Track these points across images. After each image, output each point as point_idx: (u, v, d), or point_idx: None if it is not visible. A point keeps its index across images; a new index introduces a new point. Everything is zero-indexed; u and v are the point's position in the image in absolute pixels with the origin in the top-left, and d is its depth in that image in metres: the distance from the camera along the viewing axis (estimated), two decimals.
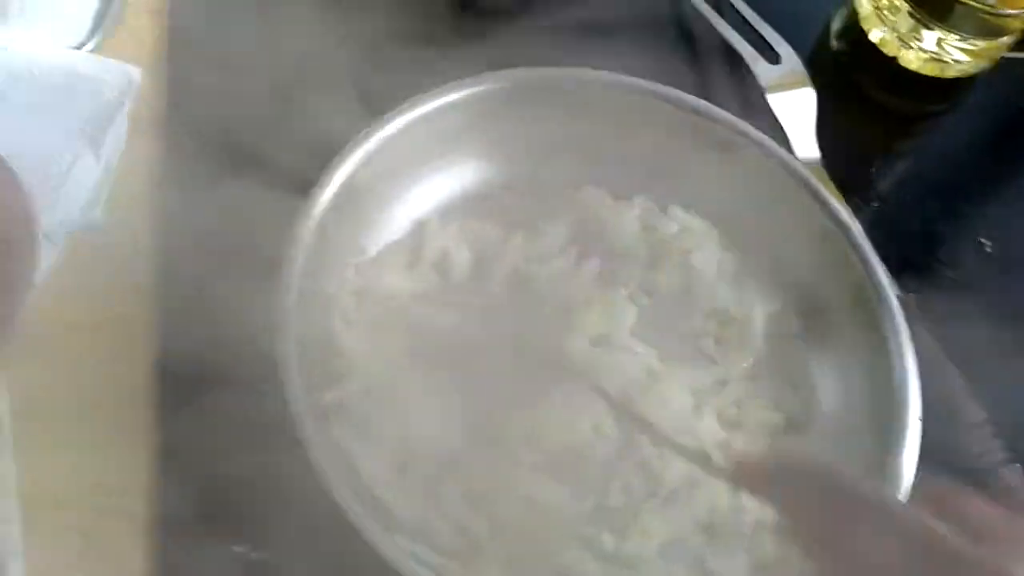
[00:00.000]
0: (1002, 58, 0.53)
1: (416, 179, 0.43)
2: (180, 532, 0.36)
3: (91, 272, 0.41)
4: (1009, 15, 0.50)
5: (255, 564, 0.36)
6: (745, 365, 0.42)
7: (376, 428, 0.38)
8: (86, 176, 0.43)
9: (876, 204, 0.50)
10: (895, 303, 0.41)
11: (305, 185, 0.39)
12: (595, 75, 0.44)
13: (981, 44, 0.52)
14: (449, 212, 0.43)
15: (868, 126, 0.54)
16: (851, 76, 0.54)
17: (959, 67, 0.53)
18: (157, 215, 0.43)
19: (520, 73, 0.44)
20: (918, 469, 0.37)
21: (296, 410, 0.34)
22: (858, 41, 0.54)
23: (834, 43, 0.55)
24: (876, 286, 0.41)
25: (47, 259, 0.41)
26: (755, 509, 0.39)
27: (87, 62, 0.44)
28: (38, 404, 0.38)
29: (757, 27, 0.53)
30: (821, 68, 0.53)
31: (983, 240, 0.50)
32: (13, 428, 0.37)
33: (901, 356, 0.40)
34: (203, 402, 0.39)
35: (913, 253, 0.49)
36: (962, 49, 0.52)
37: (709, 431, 0.40)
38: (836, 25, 0.56)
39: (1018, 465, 0.41)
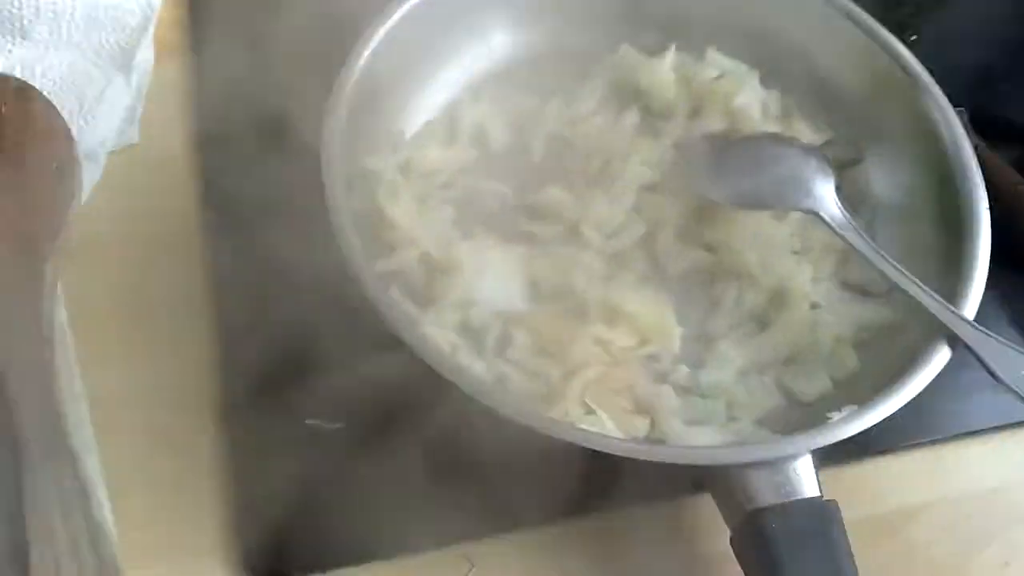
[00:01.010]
0: None
1: (442, 57, 0.42)
2: (246, 417, 0.36)
3: (133, 183, 0.41)
4: None
5: (330, 435, 0.36)
6: None
7: (437, 293, 0.38)
8: (119, 99, 0.43)
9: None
10: (953, 115, 0.40)
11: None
12: None
13: None
14: (480, 87, 0.43)
15: None
16: None
17: None
18: (189, 127, 0.43)
19: None
20: None
21: (358, 273, 0.34)
22: None
23: None
24: (930, 98, 0.40)
25: (90, 176, 0.41)
26: (834, 323, 0.38)
27: None
28: (95, 312, 0.38)
29: None
30: None
31: None
32: (74, 337, 0.37)
33: (962, 160, 0.39)
34: (258, 296, 0.39)
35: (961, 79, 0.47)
36: None
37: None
38: None
39: None
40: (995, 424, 0.39)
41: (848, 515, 0.32)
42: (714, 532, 0.33)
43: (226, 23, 0.46)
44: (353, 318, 0.35)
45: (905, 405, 0.34)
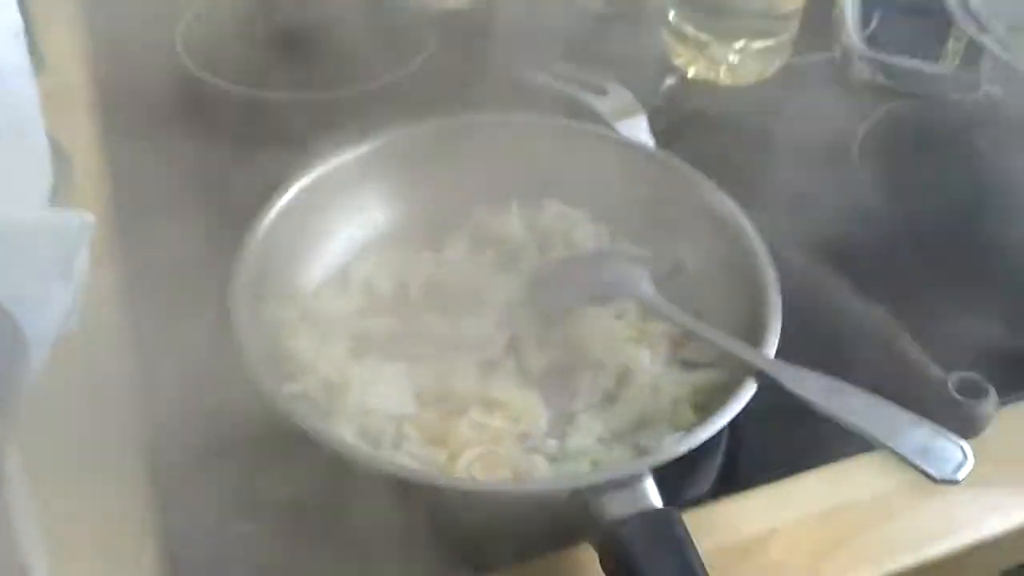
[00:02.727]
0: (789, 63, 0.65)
1: (332, 225, 0.52)
2: (190, 536, 0.42)
3: (72, 364, 0.48)
4: (782, 15, 0.63)
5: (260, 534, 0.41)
6: None
7: (336, 407, 0.44)
8: (60, 299, 0.51)
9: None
10: (736, 211, 0.50)
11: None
12: (466, 119, 0.55)
13: (767, 44, 0.64)
14: (365, 248, 0.52)
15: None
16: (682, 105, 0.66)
17: (757, 71, 0.65)
18: (123, 313, 0.51)
19: (413, 128, 0.54)
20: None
21: (269, 396, 0.41)
22: (682, 78, 0.66)
23: (664, 86, 0.67)
24: (718, 203, 0.50)
25: (35, 361, 0.48)
26: (674, 386, 0.45)
27: (50, 216, 0.54)
28: (42, 472, 0.44)
29: (588, 79, 0.64)
30: (656, 104, 0.64)
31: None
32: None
33: (758, 255, 0.48)
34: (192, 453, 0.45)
35: None
36: (755, 51, 0.64)
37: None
38: (660, 74, 0.68)
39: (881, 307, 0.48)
40: (822, 459, 0.45)
41: (708, 545, 0.38)
42: None
43: (154, 231, 0.55)
44: (272, 436, 0.42)
45: (749, 443, 0.41)
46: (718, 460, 0.46)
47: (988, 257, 0.51)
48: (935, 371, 0.44)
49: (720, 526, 0.43)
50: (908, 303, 0.48)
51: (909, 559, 0.42)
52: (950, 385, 0.43)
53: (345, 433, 0.44)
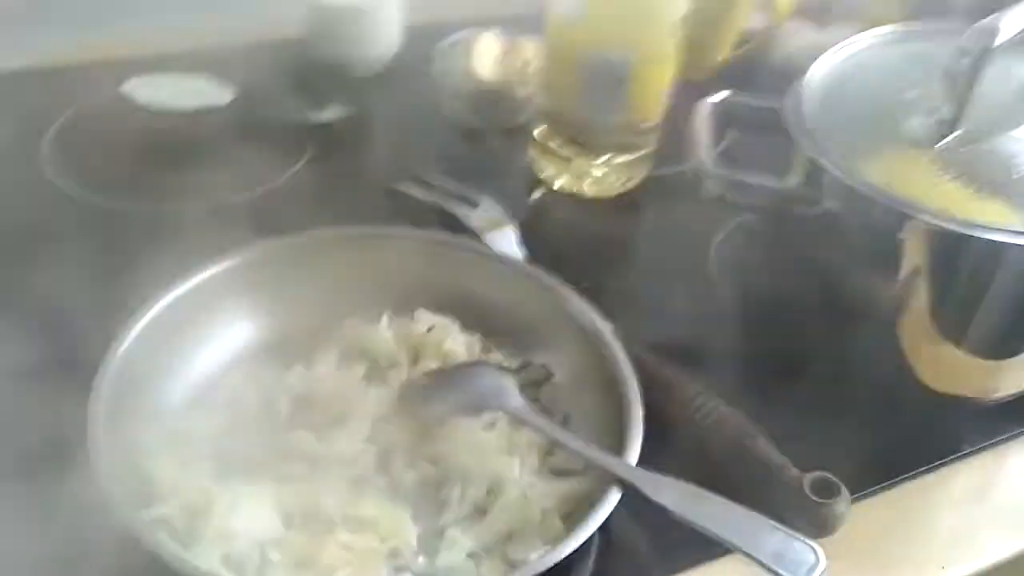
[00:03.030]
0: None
1: (195, 341, 0.51)
2: None
3: None
4: (642, 131, 0.66)
5: None
6: None
7: (198, 531, 0.43)
8: None
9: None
10: (597, 319, 0.51)
11: None
12: (336, 231, 0.55)
13: (628, 158, 0.67)
14: (235, 363, 0.51)
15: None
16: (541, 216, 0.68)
17: (620, 183, 0.68)
18: None
19: (275, 241, 0.54)
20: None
21: (127, 522, 0.40)
22: (549, 191, 0.69)
23: (532, 197, 0.69)
24: (580, 312, 0.52)
25: None
26: (543, 496, 0.46)
27: None
28: None
29: (459, 191, 0.66)
30: (524, 216, 0.66)
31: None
32: None
33: (617, 359, 0.49)
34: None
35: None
36: (618, 165, 0.67)
37: None
38: (528, 186, 0.70)
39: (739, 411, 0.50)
40: (692, 560, 0.46)
41: None
42: None
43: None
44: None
45: (617, 550, 0.42)
46: (590, 566, 0.46)
47: (835, 362, 0.53)
48: (791, 472, 0.46)
49: None
50: (763, 406, 0.50)
51: None
52: (805, 486, 0.45)
53: (208, 560, 0.42)
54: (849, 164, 0.51)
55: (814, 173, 0.53)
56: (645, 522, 0.46)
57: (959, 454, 0.53)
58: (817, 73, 0.58)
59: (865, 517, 0.47)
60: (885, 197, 0.50)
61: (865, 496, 0.49)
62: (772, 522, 0.40)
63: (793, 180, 0.54)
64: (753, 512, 0.40)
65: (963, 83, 0.49)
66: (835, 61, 0.59)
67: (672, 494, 0.41)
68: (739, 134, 0.61)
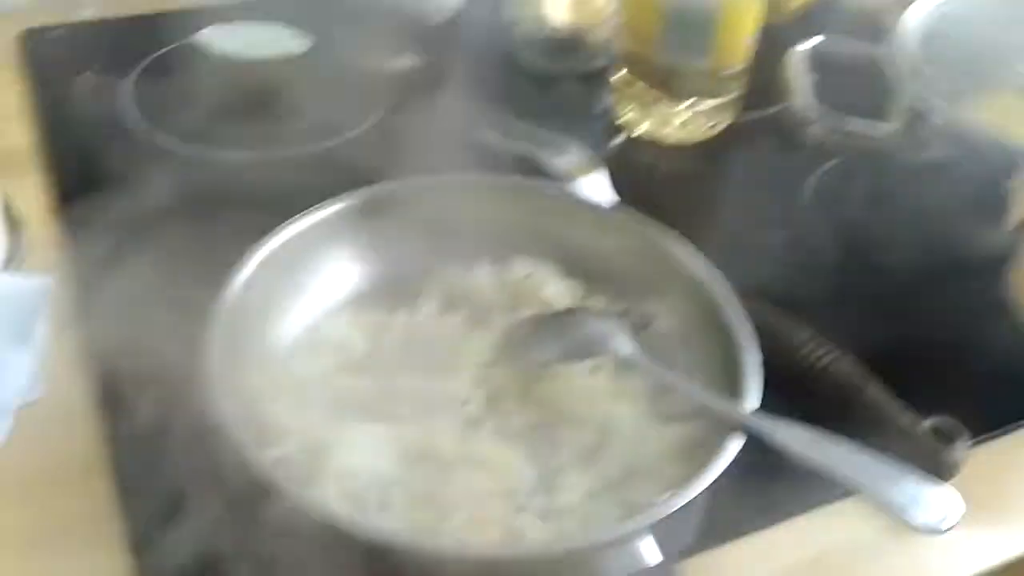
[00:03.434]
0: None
1: (302, 287, 0.51)
2: None
3: (40, 431, 0.47)
4: (727, 76, 0.65)
5: None
6: None
7: (317, 471, 0.43)
8: (22, 364, 0.50)
9: None
10: (706, 266, 0.51)
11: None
12: (434, 179, 0.55)
13: (714, 103, 0.66)
14: (339, 308, 0.52)
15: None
16: (624, 163, 0.67)
17: (705, 128, 0.67)
18: (86, 379, 0.50)
19: (380, 188, 0.54)
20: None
21: (251, 461, 0.40)
22: (628, 137, 0.68)
23: (612, 143, 0.69)
24: (688, 258, 0.51)
25: (2, 428, 0.47)
26: (655, 440, 0.46)
27: (8, 280, 0.52)
28: (9, 541, 0.42)
29: (545, 138, 0.65)
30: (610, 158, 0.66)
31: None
32: None
33: (726, 302, 0.49)
34: (165, 510, 0.44)
35: None
36: (703, 110, 0.66)
37: None
38: (610, 131, 0.69)
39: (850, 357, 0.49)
40: (807, 504, 0.47)
41: None
42: None
43: (111, 293, 0.53)
44: (252, 506, 0.41)
45: (733, 494, 0.42)
46: (697, 512, 0.46)
47: (941, 309, 0.53)
48: (908, 417, 0.46)
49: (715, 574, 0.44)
50: (868, 352, 0.50)
51: None
52: (924, 431, 0.45)
53: (329, 497, 0.43)
54: (953, 109, 0.51)
55: (914, 119, 0.52)
56: (748, 469, 0.46)
57: None
58: (914, 16, 0.57)
59: (982, 465, 0.47)
60: (995, 142, 0.49)
61: (983, 442, 0.49)
62: (901, 465, 0.40)
63: (893, 124, 0.53)
64: (879, 456, 0.40)
65: None
66: (932, 4, 0.58)
67: (796, 438, 0.41)
68: (829, 77, 0.60)
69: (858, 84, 0.55)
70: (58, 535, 0.43)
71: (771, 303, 0.51)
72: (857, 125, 0.53)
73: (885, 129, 0.53)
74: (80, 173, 0.62)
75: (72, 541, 0.43)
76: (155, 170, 0.64)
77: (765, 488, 0.46)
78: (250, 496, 0.41)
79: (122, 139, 0.65)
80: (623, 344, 0.48)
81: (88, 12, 0.76)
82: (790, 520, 0.46)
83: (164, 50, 0.73)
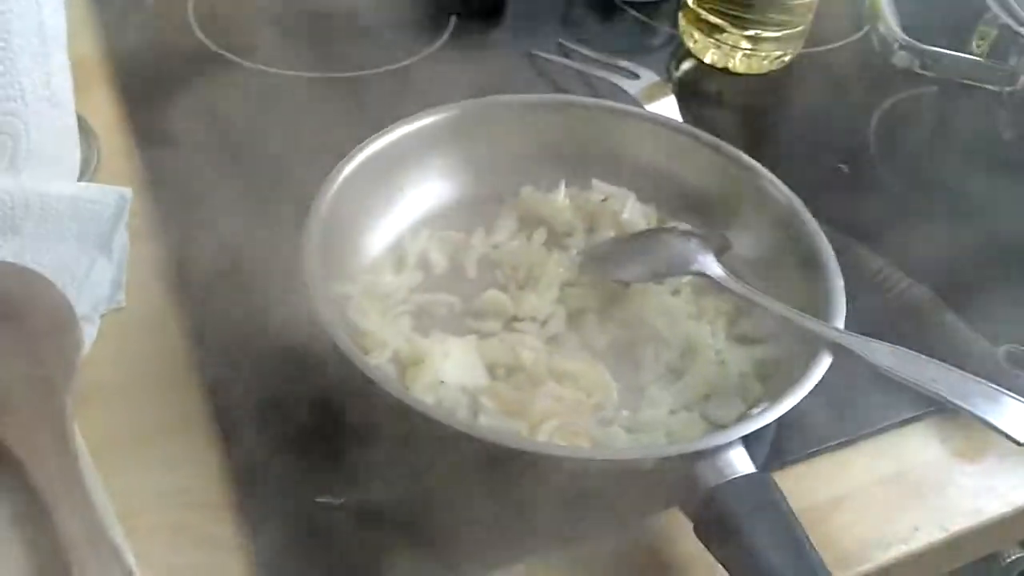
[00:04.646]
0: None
1: (384, 204, 0.52)
2: (262, 505, 0.41)
3: (125, 336, 0.48)
4: (799, 3, 0.65)
5: (341, 509, 0.41)
6: None
7: (410, 380, 0.45)
8: (103, 274, 0.50)
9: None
10: (789, 193, 0.51)
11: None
12: (511, 99, 0.55)
13: (782, 33, 0.66)
14: (418, 225, 0.52)
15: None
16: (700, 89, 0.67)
17: (772, 59, 0.67)
18: (168, 285, 0.51)
19: (464, 104, 0.54)
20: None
21: (354, 361, 0.41)
22: (696, 65, 0.68)
23: (678, 70, 0.68)
24: (770, 185, 0.51)
25: (88, 334, 0.47)
26: (738, 359, 0.47)
27: (87, 190, 0.52)
28: (110, 441, 0.43)
29: (614, 61, 0.65)
30: (676, 86, 0.66)
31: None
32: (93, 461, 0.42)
33: (806, 222, 0.49)
34: (255, 406, 0.45)
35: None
36: (770, 39, 0.66)
37: None
38: (675, 59, 0.69)
39: (923, 285, 0.50)
40: (882, 424, 0.47)
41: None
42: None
43: (187, 203, 0.54)
44: (345, 407, 0.42)
45: (811, 413, 0.43)
46: (775, 429, 0.47)
47: (1014, 240, 0.53)
48: (983, 344, 0.47)
49: (792, 492, 0.44)
50: (944, 281, 0.51)
51: (968, 521, 0.45)
52: (1000, 357, 0.46)
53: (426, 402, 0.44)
54: None
55: (1003, 45, 0.52)
56: (825, 387, 0.47)
57: None
58: None
59: None
60: None
61: None
62: (991, 385, 0.41)
63: (980, 53, 0.53)
64: (971, 375, 0.41)
65: None
66: None
67: (887, 356, 0.42)
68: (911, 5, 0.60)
69: (940, 11, 0.54)
70: (152, 429, 0.44)
71: (842, 233, 0.51)
72: (946, 52, 0.52)
73: (973, 57, 0.52)
74: (149, 83, 0.62)
75: (166, 433, 0.44)
76: (220, 85, 0.64)
77: (842, 407, 0.47)
78: (348, 399, 0.42)
79: (189, 51, 0.65)
80: (710, 264, 0.48)
81: None
82: (864, 440, 0.47)
83: None
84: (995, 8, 0.51)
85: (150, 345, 0.48)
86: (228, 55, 0.65)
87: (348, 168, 0.49)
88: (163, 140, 0.57)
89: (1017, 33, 0.50)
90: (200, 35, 0.67)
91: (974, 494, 0.46)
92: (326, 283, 0.46)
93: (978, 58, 0.52)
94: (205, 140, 0.57)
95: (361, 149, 0.50)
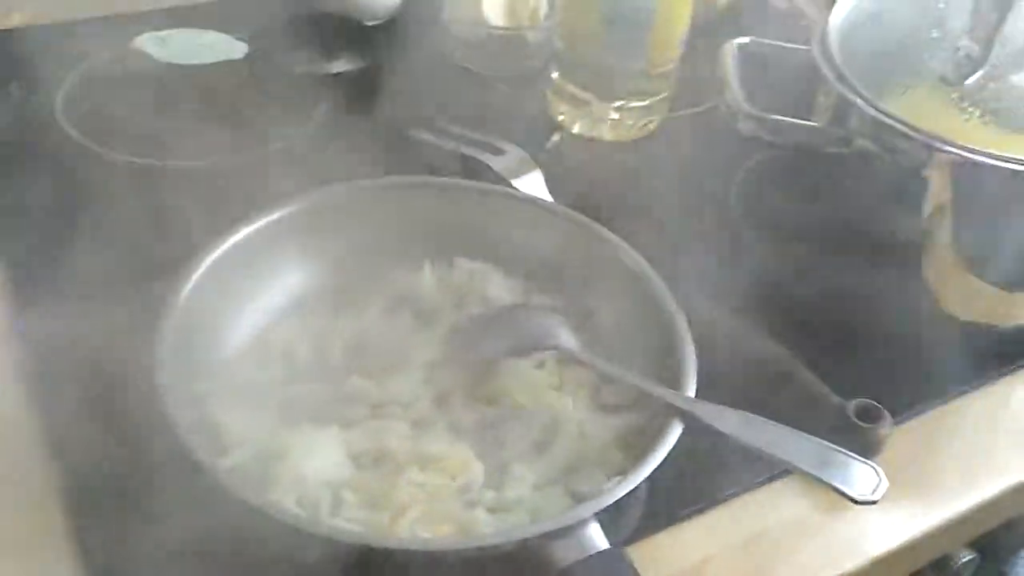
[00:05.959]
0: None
1: (246, 295, 0.52)
2: None
3: None
4: (661, 74, 0.67)
5: None
6: None
7: (272, 478, 0.44)
8: None
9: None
10: (640, 260, 0.52)
11: None
12: (372, 182, 0.56)
13: (647, 101, 0.68)
14: (284, 313, 0.52)
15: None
16: (569, 160, 0.69)
17: (639, 126, 0.69)
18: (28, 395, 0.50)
19: (320, 192, 0.54)
20: None
21: (206, 468, 0.41)
22: (564, 137, 0.70)
23: (548, 143, 0.70)
24: (623, 253, 0.53)
25: None
26: (600, 430, 0.47)
27: None
28: None
29: (482, 138, 0.67)
30: (543, 162, 0.67)
31: None
32: None
33: (661, 295, 0.51)
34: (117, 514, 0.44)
35: None
36: (636, 108, 0.68)
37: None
38: (545, 131, 0.71)
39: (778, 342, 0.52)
40: (746, 484, 0.49)
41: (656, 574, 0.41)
42: None
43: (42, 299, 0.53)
44: (206, 515, 0.42)
45: (676, 477, 0.44)
46: (641, 498, 0.48)
47: (862, 295, 0.55)
48: (834, 399, 0.48)
49: (663, 555, 0.45)
50: (794, 338, 0.53)
51: (830, 573, 0.46)
52: (849, 412, 0.47)
53: (283, 504, 0.43)
54: (875, 102, 0.53)
55: (841, 113, 0.54)
56: (685, 454, 0.48)
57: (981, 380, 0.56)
58: (840, 13, 0.59)
59: (903, 442, 0.50)
60: (912, 131, 0.51)
61: (904, 421, 0.51)
62: (832, 446, 0.42)
63: (820, 119, 0.55)
64: (812, 437, 0.42)
65: (989, 21, 0.51)
66: (851, 2, 0.61)
67: (733, 422, 0.43)
68: (757, 77, 0.63)
69: (784, 81, 0.57)
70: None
71: (701, 294, 0.53)
72: (787, 120, 0.55)
73: (813, 123, 0.55)
74: (13, 185, 0.61)
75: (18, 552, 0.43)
76: (88, 179, 0.64)
77: (705, 472, 0.48)
78: (203, 501, 0.41)
79: (53, 147, 0.65)
80: (566, 338, 0.49)
81: (16, 19, 0.75)
82: (726, 502, 0.48)
83: (100, 56, 0.72)
84: (830, 78, 0.53)
85: (5, 460, 0.47)
86: (98, 149, 0.65)
87: (207, 260, 0.49)
88: (27, 242, 0.57)
89: (850, 101, 0.52)
90: (68, 129, 0.66)
91: (837, 548, 0.47)
92: (186, 381, 0.46)
93: (815, 124, 0.54)
94: (72, 242, 0.57)
95: (220, 241, 0.50)
